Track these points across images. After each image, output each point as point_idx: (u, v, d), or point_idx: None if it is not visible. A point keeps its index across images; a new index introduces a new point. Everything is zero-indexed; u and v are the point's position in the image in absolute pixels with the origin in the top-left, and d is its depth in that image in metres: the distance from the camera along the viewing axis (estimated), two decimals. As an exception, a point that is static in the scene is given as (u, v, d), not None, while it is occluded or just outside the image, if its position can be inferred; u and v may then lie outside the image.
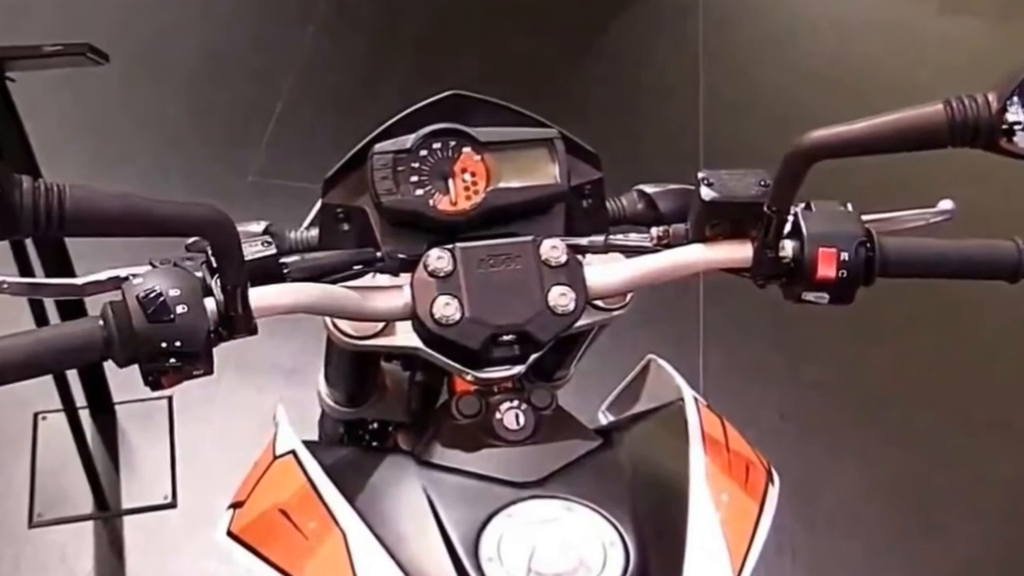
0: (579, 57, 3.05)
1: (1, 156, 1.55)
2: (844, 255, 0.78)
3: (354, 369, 1.04)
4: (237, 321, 0.72)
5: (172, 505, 1.97)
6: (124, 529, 1.95)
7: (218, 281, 0.71)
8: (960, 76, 2.95)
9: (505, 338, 0.80)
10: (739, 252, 0.82)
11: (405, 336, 0.84)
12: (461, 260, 0.81)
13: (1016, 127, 0.68)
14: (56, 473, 1.99)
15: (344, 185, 0.86)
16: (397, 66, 2.92)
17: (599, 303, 0.89)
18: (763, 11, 3.40)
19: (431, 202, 0.84)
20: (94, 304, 0.73)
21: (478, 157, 0.85)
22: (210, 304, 0.70)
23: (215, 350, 0.71)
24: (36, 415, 2.07)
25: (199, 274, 0.72)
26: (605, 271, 0.84)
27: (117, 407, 2.10)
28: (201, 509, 1.93)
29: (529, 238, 0.83)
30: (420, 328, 0.81)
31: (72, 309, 1.73)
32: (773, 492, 0.83)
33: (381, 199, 0.83)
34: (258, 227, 0.84)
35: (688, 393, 0.86)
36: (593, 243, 0.86)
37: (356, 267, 0.83)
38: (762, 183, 0.80)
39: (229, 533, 0.81)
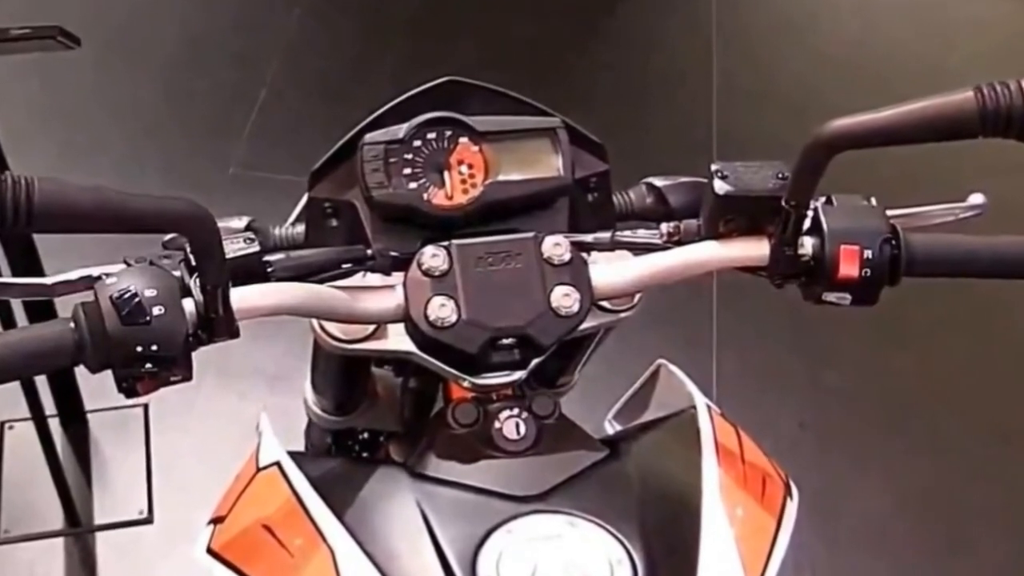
0: (584, 41, 3.05)
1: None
2: (868, 253, 0.78)
3: (343, 375, 1.04)
4: (218, 323, 0.72)
5: (148, 520, 1.97)
6: (96, 546, 1.95)
7: (197, 281, 0.71)
8: (992, 62, 2.95)
9: (505, 342, 0.80)
10: (755, 249, 0.82)
11: (397, 340, 0.85)
12: (457, 258, 0.81)
13: (1052, 116, 0.68)
14: (24, 486, 1.99)
15: (332, 178, 0.86)
16: (389, 50, 2.92)
17: (605, 304, 0.89)
18: (781, -8, 3.41)
19: (425, 196, 0.84)
20: (64, 305, 0.73)
21: (476, 148, 0.85)
22: (189, 305, 0.71)
23: (194, 354, 0.71)
24: (2, 424, 2.07)
25: (177, 273, 0.72)
26: (611, 270, 0.84)
27: (89, 415, 2.10)
28: (179, 525, 1.93)
29: (530, 235, 0.83)
30: (413, 331, 0.81)
31: (41, 310, 1.73)
32: (792, 506, 0.83)
33: (372, 193, 0.83)
34: (240, 223, 0.85)
35: (700, 400, 0.86)
36: (599, 240, 0.87)
37: (345, 266, 0.83)
38: (780, 176, 0.80)
39: (209, 550, 0.81)
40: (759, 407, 2.20)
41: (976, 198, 0.92)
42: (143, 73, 2.84)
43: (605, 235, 0.87)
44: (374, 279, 0.85)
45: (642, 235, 0.87)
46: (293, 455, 0.81)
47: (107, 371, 0.69)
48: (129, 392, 0.70)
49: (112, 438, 2.09)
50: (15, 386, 1.87)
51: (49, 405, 2.02)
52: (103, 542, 1.95)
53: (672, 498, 0.80)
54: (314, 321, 0.86)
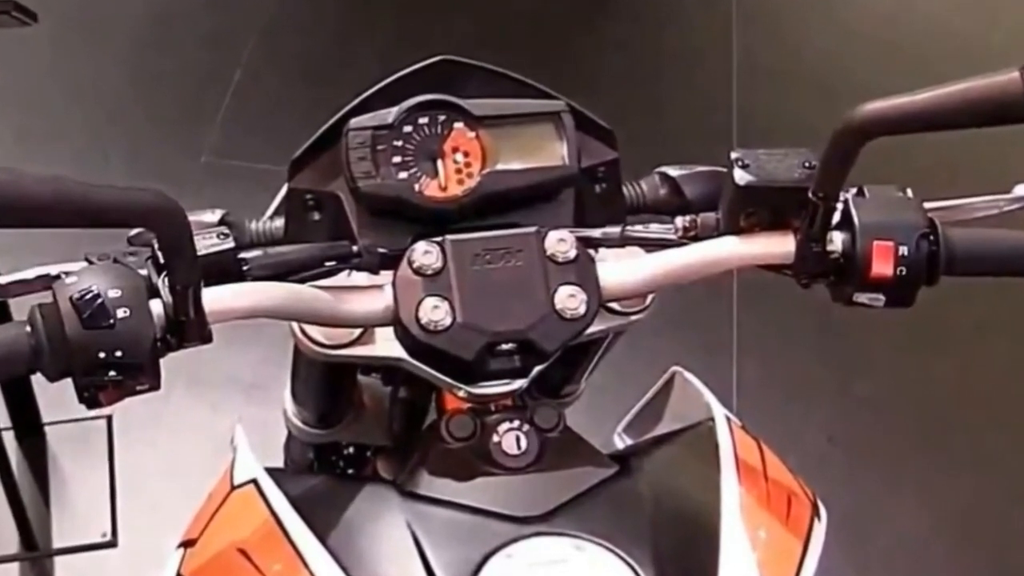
0: (591, 16, 3.05)
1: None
2: (903, 249, 0.78)
3: (326, 384, 1.04)
4: (188, 327, 0.72)
5: (112, 544, 1.97)
6: (56, 572, 1.95)
7: (166, 280, 0.71)
8: (1039, 39, 2.95)
9: (504, 347, 0.80)
10: (779, 246, 0.82)
11: (386, 345, 0.85)
12: (452, 255, 0.81)
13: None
14: (-25, 506, 2.00)
15: (314, 167, 0.86)
16: (376, 27, 2.92)
17: (614, 306, 0.89)
18: (807, -38, 3.41)
19: (417, 187, 0.84)
20: (20, 307, 0.73)
21: (472, 134, 0.85)
22: (156, 307, 0.71)
23: (162, 361, 0.71)
24: (-48, 438, 2.07)
25: (144, 272, 0.72)
26: (621, 268, 0.84)
27: (47, 428, 2.10)
28: (146, 548, 1.93)
29: (532, 229, 0.83)
30: (404, 335, 0.81)
31: (-6, 313, 1.73)
32: (819, 528, 0.83)
33: (358, 183, 0.83)
34: (213, 216, 0.85)
35: (719, 412, 0.86)
36: (607, 235, 0.87)
37: (328, 263, 0.83)
38: (806, 165, 0.80)
39: (179, 576, 0.81)
40: (783, 419, 2.20)
41: (1022, 189, 0.92)
42: (106, 52, 2.84)
43: (614, 230, 0.87)
44: (360, 278, 0.85)
45: (655, 230, 0.87)
46: (271, 472, 0.81)
47: (67, 379, 0.69)
48: (91, 402, 0.70)
49: (72, 453, 2.08)
50: (-34, 396, 1.88)
51: (3, 417, 2.02)
52: (63, 568, 1.95)
53: (688, 519, 0.81)
54: (294, 325, 0.86)
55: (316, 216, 0.86)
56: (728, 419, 0.86)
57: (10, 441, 2.06)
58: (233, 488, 0.82)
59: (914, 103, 0.71)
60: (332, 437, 1.13)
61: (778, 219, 0.83)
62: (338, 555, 0.75)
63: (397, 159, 0.84)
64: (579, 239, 0.83)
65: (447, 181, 0.84)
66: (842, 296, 0.82)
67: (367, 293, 0.82)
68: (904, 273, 0.78)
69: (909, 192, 0.82)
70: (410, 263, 0.81)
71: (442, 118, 0.85)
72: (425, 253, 0.81)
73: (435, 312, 0.79)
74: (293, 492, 0.79)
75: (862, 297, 0.80)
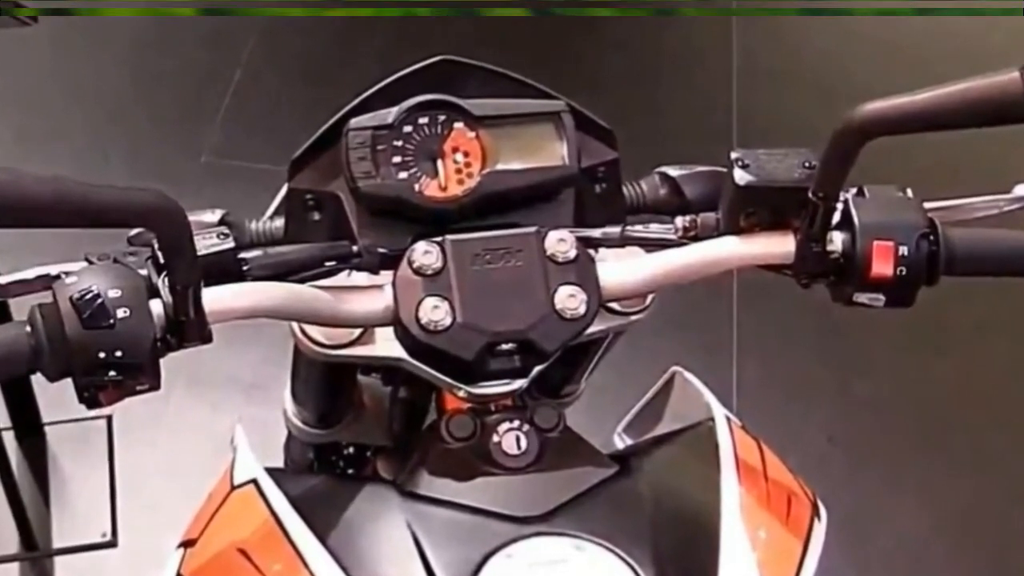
0: (591, 16, 3.05)
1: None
2: (903, 249, 0.78)
3: (326, 384, 1.04)
4: (188, 327, 0.72)
5: (112, 544, 1.97)
6: (55, 572, 1.95)
7: (166, 280, 0.71)
8: (1039, 39, 2.95)
9: (504, 347, 0.80)
10: (779, 246, 0.82)
11: (386, 345, 0.85)
12: (452, 255, 0.81)
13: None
14: (-25, 506, 2.00)
15: (314, 167, 0.86)
16: (376, 27, 2.92)
17: (614, 306, 0.89)
18: (807, -38, 3.41)
19: (417, 187, 0.84)
20: (20, 307, 0.73)
21: (472, 134, 0.85)
22: (156, 307, 0.71)
23: (162, 361, 0.71)
24: (-48, 438, 2.07)
25: (144, 272, 0.72)
26: (621, 268, 0.84)
27: (47, 428, 2.10)
28: (146, 549, 1.93)
29: (532, 229, 0.83)
30: (404, 335, 0.81)
31: (-6, 313, 1.73)
32: (819, 528, 0.84)
33: (358, 183, 0.83)
34: (213, 216, 0.85)
35: (719, 412, 0.86)
36: (607, 235, 0.87)
37: (328, 263, 0.83)
38: (806, 165, 0.80)
39: (179, 576, 0.81)
40: (783, 419, 2.20)
41: (1022, 189, 0.92)
42: (106, 52, 2.84)
43: (614, 230, 0.87)
44: (360, 278, 0.85)
45: (655, 230, 0.87)
46: (271, 472, 0.81)
47: (67, 379, 0.69)
48: (91, 402, 0.70)
49: (72, 453, 2.08)
50: (-34, 396, 1.88)
51: (3, 417, 2.02)
52: (63, 568, 1.95)
53: (688, 519, 0.81)
54: (295, 325, 0.86)
55: (316, 216, 0.86)
56: (728, 419, 0.86)
57: (10, 441, 2.06)
58: (233, 488, 0.82)
59: (914, 103, 0.71)
60: (332, 437, 1.14)
61: (778, 219, 0.83)
62: (338, 555, 0.75)
63: (397, 159, 0.84)
64: (579, 239, 0.83)
65: (447, 181, 0.84)
66: (842, 296, 0.82)
67: (367, 293, 0.82)
68: (904, 273, 0.79)
69: (909, 192, 0.82)
70: (410, 263, 0.81)
71: (442, 118, 0.85)
72: (425, 253, 0.81)
73: (435, 312, 0.79)
74: (293, 492, 0.79)
75: (862, 297, 0.81)
